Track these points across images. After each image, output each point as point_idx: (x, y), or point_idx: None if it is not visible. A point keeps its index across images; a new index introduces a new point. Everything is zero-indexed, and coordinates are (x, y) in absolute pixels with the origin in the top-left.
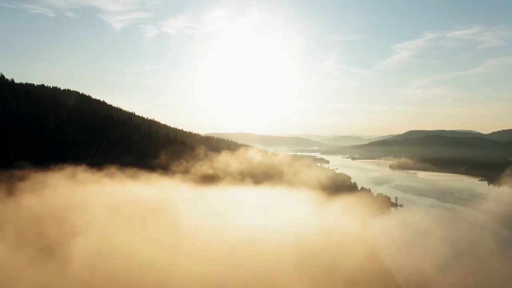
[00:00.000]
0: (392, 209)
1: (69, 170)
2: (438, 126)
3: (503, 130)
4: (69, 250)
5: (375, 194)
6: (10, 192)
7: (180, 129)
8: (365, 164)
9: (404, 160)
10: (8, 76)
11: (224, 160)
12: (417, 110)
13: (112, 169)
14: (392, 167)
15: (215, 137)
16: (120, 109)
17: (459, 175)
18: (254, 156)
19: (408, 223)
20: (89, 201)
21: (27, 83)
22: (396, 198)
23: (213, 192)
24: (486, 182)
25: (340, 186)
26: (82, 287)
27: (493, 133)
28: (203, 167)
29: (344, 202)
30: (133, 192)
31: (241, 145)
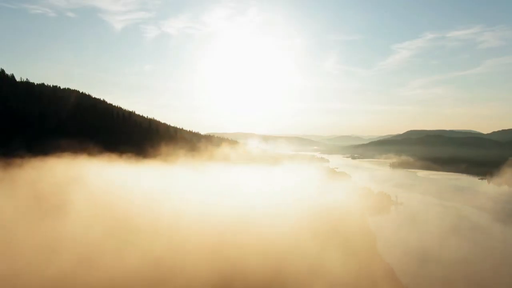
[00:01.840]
0: (392, 207)
1: (68, 157)
2: (438, 126)
3: (503, 130)
4: (67, 211)
5: (375, 192)
6: (10, 167)
7: (180, 128)
8: (366, 163)
9: (404, 159)
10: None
11: (224, 153)
12: (417, 110)
13: (113, 157)
14: (392, 166)
15: (215, 136)
16: (120, 108)
17: (459, 174)
18: (254, 150)
19: (407, 221)
20: (88, 177)
21: (27, 79)
22: (396, 196)
23: (215, 172)
24: (486, 181)
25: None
26: (79, 241)
27: (493, 133)
28: (204, 158)
29: (343, 187)
30: (133, 172)
31: (241, 143)
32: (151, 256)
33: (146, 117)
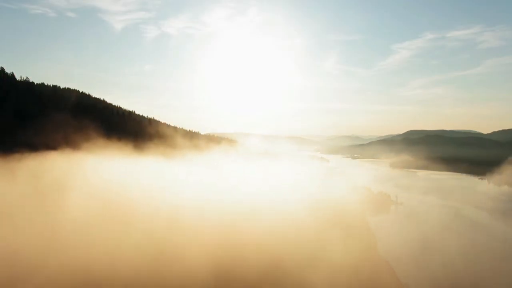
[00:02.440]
0: (392, 206)
1: (68, 153)
2: (438, 126)
3: (503, 130)
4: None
5: (375, 192)
6: (10, 163)
7: (181, 127)
8: (366, 163)
9: (404, 159)
10: None
11: (224, 151)
12: (417, 110)
13: (112, 153)
14: (392, 166)
15: (215, 135)
16: (120, 107)
17: (459, 173)
18: (254, 150)
19: (407, 220)
20: (88, 172)
21: (27, 77)
22: (396, 196)
23: (215, 168)
24: (486, 181)
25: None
26: (79, 236)
27: (493, 133)
28: (203, 155)
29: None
30: (132, 167)
31: (241, 142)
32: (150, 247)
33: (146, 116)
